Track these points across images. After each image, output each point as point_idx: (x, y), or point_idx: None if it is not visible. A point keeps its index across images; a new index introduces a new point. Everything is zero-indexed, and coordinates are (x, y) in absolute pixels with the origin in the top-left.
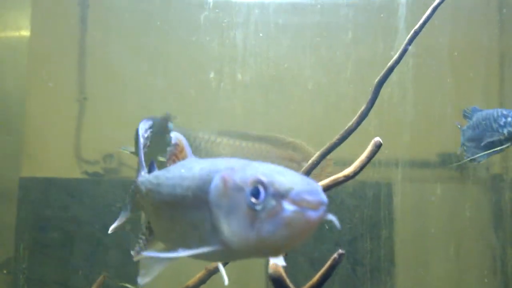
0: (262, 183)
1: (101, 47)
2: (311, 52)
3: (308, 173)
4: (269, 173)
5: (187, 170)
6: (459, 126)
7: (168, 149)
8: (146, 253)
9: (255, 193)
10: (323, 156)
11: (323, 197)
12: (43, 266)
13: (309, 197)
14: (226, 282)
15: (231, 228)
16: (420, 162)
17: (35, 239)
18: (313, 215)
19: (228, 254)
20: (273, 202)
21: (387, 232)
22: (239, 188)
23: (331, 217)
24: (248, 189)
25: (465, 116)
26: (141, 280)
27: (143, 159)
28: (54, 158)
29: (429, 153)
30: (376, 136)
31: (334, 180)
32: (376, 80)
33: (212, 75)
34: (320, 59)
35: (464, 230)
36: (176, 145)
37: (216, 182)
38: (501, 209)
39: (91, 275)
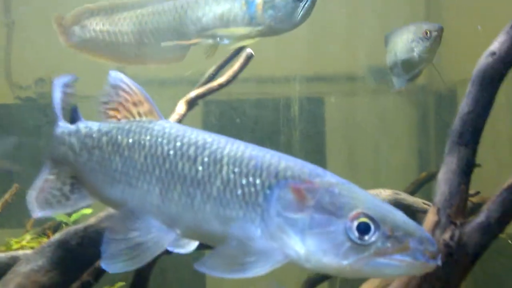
0: (370, 219)
1: None
2: None
3: (207, 81)
4: (373, 208)
5: (196, 148)
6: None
7: (107, 91)
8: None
9: (363, 229)
10: (219, 68)
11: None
12: None
13: (431, 248)
14: None
15: (310, 250)
16: (317, 77)
17: None
18: (433, 264)
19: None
20: (387, 244)
21: (285, 137)
22: (330, 212)
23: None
24: (351, 222)
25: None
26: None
27: (59, 106)
28: None
29: (324, 68)
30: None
31: (209, 88)
32: None
33: None
34: None
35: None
36: (124, 90)
37: (283, 191)
38: (426, 118)
39: None
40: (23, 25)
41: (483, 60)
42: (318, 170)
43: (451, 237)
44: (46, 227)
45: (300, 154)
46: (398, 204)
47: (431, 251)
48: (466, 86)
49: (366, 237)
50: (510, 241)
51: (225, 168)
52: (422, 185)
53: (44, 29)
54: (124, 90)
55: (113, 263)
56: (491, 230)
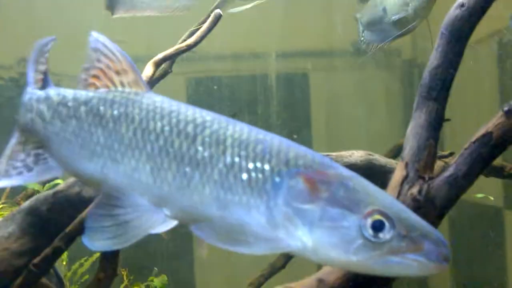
0: (386, 217)
1: None
2: None
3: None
4: (389, 206)
5: (194, 126)
6: None
7: (87, 55)
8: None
9: (378, 227)
10: (192, 33)
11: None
12: None
13: (445, 250)
14: None
15: (318, 243)
16: (295, 52)
17: None
18: (444, 266)
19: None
20: (402, 243)
21: (262, 107)
22: (344, 207)
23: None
24: (366, 219)
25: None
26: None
27: (33, 71)
28: None
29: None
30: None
31: (177, 49)
32: None
33: None
34: None
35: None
36: (106, 55)
37: (294, 180)
38: (412, 91)
39: None
40: (4, 4)
41: (452, 12)
42: (327, 160)
43: (419, 191)
44: (20, 197)
45: (280, 130)
46: (371, 165)
47: (444, 253)
48: None
49: (381, 235)
50: (491, 198)
51: (229, 150)
52: (401, 151)
53: (26, 9)
54: (106, 56)
55: (96, 240)
56: (459, 184)
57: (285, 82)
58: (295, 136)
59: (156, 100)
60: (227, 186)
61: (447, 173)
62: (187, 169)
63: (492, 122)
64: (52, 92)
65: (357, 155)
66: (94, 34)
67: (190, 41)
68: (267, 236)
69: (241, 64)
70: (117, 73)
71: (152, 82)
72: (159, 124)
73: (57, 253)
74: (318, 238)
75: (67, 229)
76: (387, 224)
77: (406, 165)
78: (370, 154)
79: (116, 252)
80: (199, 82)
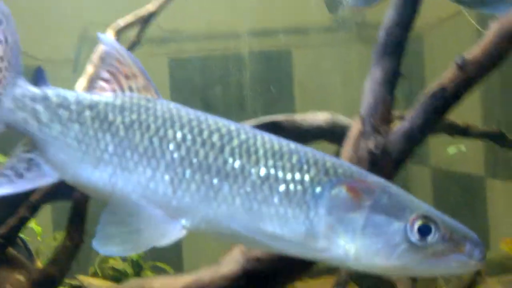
0: (432, 221)
1: None
2: None
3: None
4: (431, 211)
5: (220, 135)
6: None
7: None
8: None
9: (424, 231)
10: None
11: None
12: None
13: (483, 249)
14: None
15: (361, 250)
16: (266, 31)
17: None
18: (482, 263)
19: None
20: (446, 246)
21: (235, 79)
22: (389, 214)
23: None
24: (412, 224)
25: None
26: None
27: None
28: None
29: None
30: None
31: (137, 15)
32: None
33: None
34: None
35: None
36: (116, 59)
37: (336, 189)
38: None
39: None
40: None
41: None
42: (361, 169)
43: (376, 146)
44: None
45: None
46: (335, 125)
47: (483, 252)
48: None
49: (428, 239)
50: (463, 148)
51: (262, 161)
52: None
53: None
54: (116, 59)
55: (106, 245)
56: (414, 137)
57: (268, 57)
58: (273, 90)
59: (171, 107)
60: (262, 198)
61: (402, 127)
62: (215, 180)
63: (446, 76)
64: (50, 92)
65: (321, 116)
66: (102, 36)
67: (151, 8)
68: (306, 245)
69: (218, 43)
70: (127, 77)
71: None
72: (179, 133)
73: (22, 222)
74: (361, 245)
75: (31, 198)
76: (433, 228)
77: (363, 120)
78: (334, 115)
79: (82, 221)
80: (182, 62)
